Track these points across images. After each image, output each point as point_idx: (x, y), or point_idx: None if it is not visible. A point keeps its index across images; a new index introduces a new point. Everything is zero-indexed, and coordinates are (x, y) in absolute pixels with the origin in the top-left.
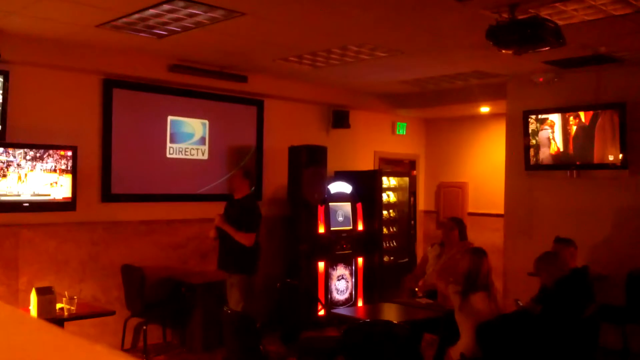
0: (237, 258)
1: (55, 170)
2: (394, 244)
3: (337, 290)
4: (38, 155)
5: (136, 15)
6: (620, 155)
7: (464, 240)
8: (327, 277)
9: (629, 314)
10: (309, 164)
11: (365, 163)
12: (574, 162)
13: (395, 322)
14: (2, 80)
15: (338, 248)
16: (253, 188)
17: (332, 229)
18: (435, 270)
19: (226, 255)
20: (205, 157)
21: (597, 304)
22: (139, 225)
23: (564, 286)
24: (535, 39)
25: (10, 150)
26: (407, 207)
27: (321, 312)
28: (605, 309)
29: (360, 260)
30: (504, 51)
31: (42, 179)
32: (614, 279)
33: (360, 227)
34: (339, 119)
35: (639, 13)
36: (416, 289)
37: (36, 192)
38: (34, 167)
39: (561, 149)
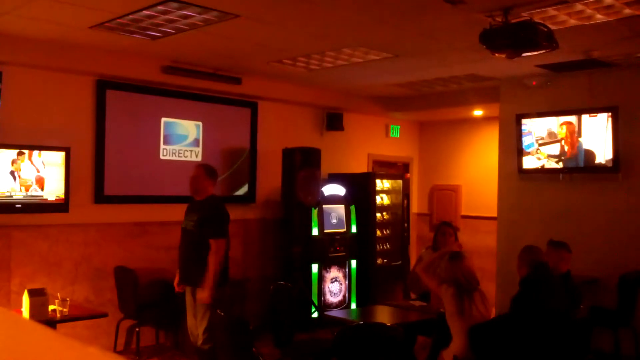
0: (204, 271)
1: (48, 172)
2: (388, 246)
3: (331, 292)
4: (31, 156)
5: (130, 17)
6: (613, 159)
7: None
8: (321, 279)
9: (620, 317)
10: (303, 166)
11: (359, 165)
12: (567, 166)
13: (388, 324)
14: None
15: (332, 250)
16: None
17: (325, 231)
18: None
19: (190, 267)
20: (199, 158)
21: (588, 307)
22: (132, 226)
23: (527, 285)
24: (528, 42)
25: (3, 151)
26: (400, 210)
27: (315, 315)
28: (598, 312)
29: (353, 262)
30: (497, 55)
31: (34, 180)
32: (606, 282)
33: (353, 229)
34: (333, 122)
35: (630, 19)
36: (412, 294)
37: (29, 193)
38: (26, 168)
39: (554, 153)
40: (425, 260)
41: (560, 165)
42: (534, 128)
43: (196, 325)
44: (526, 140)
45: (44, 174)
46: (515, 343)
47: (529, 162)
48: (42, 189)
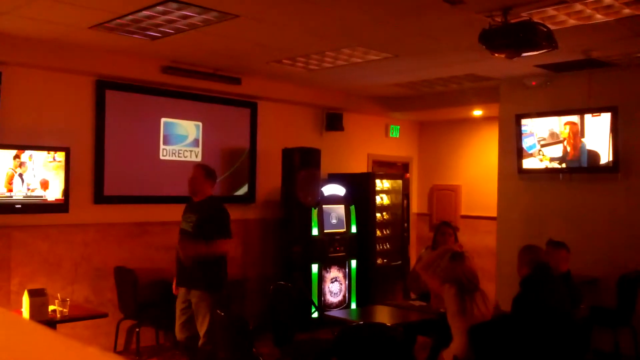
0: (204, 272)
1: (47, 172)
2: (387, 246)
3: (331, 292)
4: (31, 156)
5: (129, 17)
6: (612, 159)
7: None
8: (321, 279)
9: (620, 317)
10: (303, 166)
11: (359, 165)
12: (567, 166)
13: (388, 324)
14: None
15: (332, 250)
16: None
17: (325, 231)
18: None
19: (187, 268)
20: (199, 159)
21: (588, 307)
22: (132, 227)
23: (528, 285)
24: (527, 42)
25: (3, 151)
26: (400, 210)
27: (315, 315)
28: (597, 311)
29: (353, 262)
30: (496, 55)
31: (34, 181)
32: (606, 281)
33: (353, 229)
34: (333, 122)
35: (630, 18)
36: (412, 294)
37: (29, 194)
38: (26, 168)
39: (556, 155)
40: (424, 259)
41: (560, 165)
42: (536, 128)
43: (181, 328)
44: (528, 141)
45: (46, 175)
46: (515, 343)
47: (530, 164)
48: (42, 190)
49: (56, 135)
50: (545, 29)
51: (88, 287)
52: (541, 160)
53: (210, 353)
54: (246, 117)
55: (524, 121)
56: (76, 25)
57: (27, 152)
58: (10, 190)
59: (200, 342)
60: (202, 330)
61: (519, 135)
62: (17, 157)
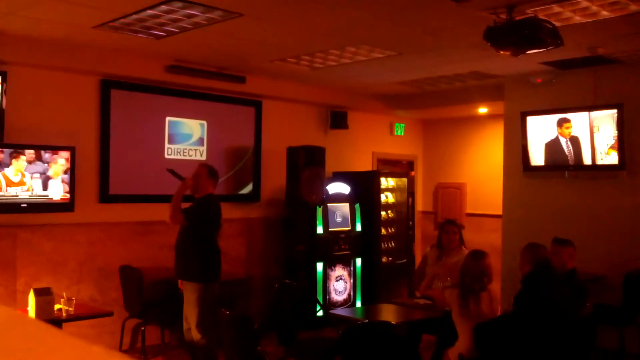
0: (194, 263)
1: (53, 171)
2: (392, 244)
3: (336, 290)
4: (36, 156)
5: (134, 16)
6: (618, 156)
7: (462, 245)
8: (326, 277)
9: (625, 315)
10: (307, 164)
11: (364, 164)
12: (572, 163)
13: (393, 322)
14: (0, 80)
15: (336, 249)
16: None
17: (330, 229)
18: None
19: (181, 260)
20: (204, 157)
21: (592, 305)
22: (137, 226)
23: (529, 283)
24: (532, 39)
25: (8, 151)
26: (405, 208)
27: (319, 313)
28: (602, 309)
29: (358, 261)
30: (501, 52)
31: (40, 180)
32: (611, 279)
33: (358, 227)
34: (337, 120)
35: (636, 15)
36: (416, 292)
37: (34, 193)
38: (32, 168)
39: (559, 150)
40: (425, 282)
41: (566, 162)
42: (539, 125)
43: (187, 319)
44: (531, 138)
45: (49, 173)
46: (519, 341)
47: (534, 160)
48: (47, 189)
49: (62, 134)
50: (550, 26)
51: (93, 286)
52: (546, 158)
53: (207, 348)
54: (251, 116)
55: (529, 118)
56: (81, 25)
57: (33, 152)
58: (16, 190)
59: (195, 337)
60: (192, 323)
61: (524, 132)
62: (23, 156)
